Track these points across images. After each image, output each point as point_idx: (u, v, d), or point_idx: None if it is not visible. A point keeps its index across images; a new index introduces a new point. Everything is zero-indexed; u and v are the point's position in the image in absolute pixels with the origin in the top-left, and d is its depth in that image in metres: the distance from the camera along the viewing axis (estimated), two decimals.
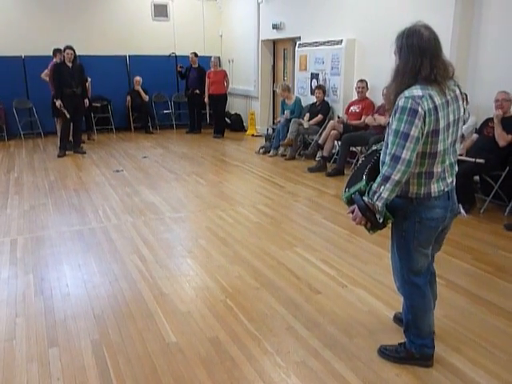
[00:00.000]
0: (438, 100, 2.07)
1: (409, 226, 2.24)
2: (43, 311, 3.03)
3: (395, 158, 2.06)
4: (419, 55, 2.07)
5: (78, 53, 7.75)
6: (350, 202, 2.29)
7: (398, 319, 2.85)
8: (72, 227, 4.57)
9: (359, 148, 6.78)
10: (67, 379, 2.39)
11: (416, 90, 2.06)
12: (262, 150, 8.19)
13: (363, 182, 2.23)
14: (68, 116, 7.80)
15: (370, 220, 2.19)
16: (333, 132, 6.82)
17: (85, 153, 8.09)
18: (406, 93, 2.06)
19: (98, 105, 10.03)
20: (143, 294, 3.25)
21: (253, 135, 10.13)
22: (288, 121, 7.74)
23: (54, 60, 8.20)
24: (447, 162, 2.20)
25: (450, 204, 2.26)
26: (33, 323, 2.90)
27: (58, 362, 2.53)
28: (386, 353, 2.55)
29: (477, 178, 5.23)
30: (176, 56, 10.77)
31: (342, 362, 2.51)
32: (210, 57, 10.04)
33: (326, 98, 7.56)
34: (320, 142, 7.01)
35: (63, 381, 2.37)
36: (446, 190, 2.21)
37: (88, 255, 3.91)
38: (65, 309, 3.06)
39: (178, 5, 10.97)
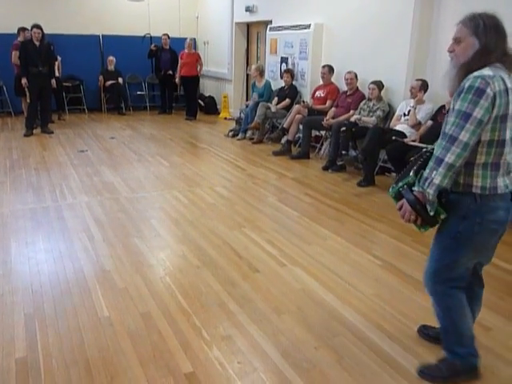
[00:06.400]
0: (509, 83, 1.91)
1: (467, 227, 2.02)
2: None
3: (451, 139, 1.90)
4: (502, 36, 1.96)
5: (50, 31, 7.64)
6: (398, 197, 2.15)
7: (423, 334, 2.63)
8: (26, 205, 4.58)
9: (323, 132, 6.85)
10: None
11: (486, 71, 1.90)
12: (231, 134, 8.22)
13: (411, 175, 2.10)
14: (28, 99, 7.73)
15: (420, 214, 2.03)
16: (297, 116, 6.88)
17: (52, 132, 8.03)
18: (476, 73, 1.90)
19: (70, 84, 9.95)
20: (84, 271, 3.30)
21: (226, 118, 10.14)
22: (256, 104, 7.76)
23: (18, 39, 8.08)
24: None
25: (511, 206, 2.05)
26: None
27: None
28: (430, 373, 2.30)
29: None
30: (151, 37, 10.66)
31: (265, 336, 2.60)
32: (186, 38, 9.97)
33: (294, 83, 7.60)
34: (285, 125, 7.07)
35: None
36: (510, 187, 2.02)
37: (37, 233, 3.94)
38: (3, 284, 3.10)
39: None
